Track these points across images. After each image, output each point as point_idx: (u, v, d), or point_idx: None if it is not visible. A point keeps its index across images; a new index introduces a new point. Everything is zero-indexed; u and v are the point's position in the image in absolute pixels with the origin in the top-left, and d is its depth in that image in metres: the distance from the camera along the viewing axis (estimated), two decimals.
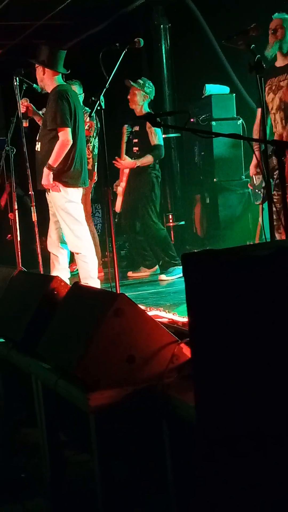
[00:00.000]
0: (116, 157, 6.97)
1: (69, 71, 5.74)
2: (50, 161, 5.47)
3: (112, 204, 5.05)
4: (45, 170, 5.50)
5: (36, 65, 5.70)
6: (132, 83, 6.87)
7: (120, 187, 7.09)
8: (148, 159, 6.86)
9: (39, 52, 5.67)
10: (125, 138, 7.13)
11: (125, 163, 6.96)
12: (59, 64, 5.64)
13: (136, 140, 6.98)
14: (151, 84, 6.98)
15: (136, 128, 7.00)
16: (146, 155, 6.85)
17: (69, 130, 5.47)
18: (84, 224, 5.71)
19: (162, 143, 6.94)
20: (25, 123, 5.86)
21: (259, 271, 1.93)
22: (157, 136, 6.87)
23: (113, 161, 6.81)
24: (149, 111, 6.95)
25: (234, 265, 2.01)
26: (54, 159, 5.46)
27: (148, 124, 6.81)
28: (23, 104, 5.80)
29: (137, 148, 6.99)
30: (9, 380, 4.26)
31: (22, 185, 6.80)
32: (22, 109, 5.80)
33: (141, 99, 6.89)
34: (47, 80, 5.65)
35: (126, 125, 7.16)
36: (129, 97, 6.93)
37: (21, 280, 4.43)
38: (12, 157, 6.18)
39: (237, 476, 1.99)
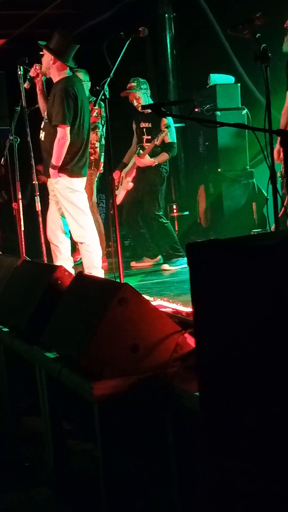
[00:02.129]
0: (135, 155, 7.02)
1: (76, 66, 5.70)
2: (53, 161, 5.50)
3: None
4: (51, 170, 5.53)
5: (44, 50, 5.63)
6: (129, 91, 6.88)
7: (127, 183, 7.11)
8: (164, 157, 6.94)
9: (52, 39, 5.56)
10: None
11: (144, 161, 7.00)
12: (70, 57, 5.57)
13: (149, 137, 6.98)
14: (139, 79, 6.99)
15: (148, 125, 6.98)
16: (163, 152, 6.88)
17: (67, 128, 5.46)
18: (88, 213, 5.71)
19: (175, 140, 6.95)
20: (26, 85, 5.80)
21: (263, 260, 1.93)
22: (172, 134, 6.89)
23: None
24: (151, 102, 6.95)
25: (239, 254, 2.00)
26: (56, 158, 5.48)
27: (163, 122, 6.78)
28: (35, 69, 5.73)
29: (148, 144, 6.98)
30: (13, 369, 4.27)
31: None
32: (32, 73, 5.74)
33: (145, 98, 6.90)
34: (55, 70, 5.59)
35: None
36: (135, 104, 6.93)
37: (25, 270, 4.44)
38: (16, 147, 6.17)
39: (239, 469, 1.99)
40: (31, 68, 5.75)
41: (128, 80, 6.93)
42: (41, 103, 5.86)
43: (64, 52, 5.53)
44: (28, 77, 5.77)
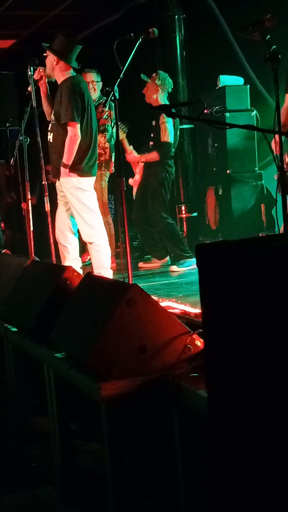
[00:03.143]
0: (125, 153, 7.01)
1: (79, 67, 5.72)
2: (64, 160, 5.50)
3: (127, 193, 5.04)
4: (62, 169, 5.53)
5: (48, 51, 5.65)
6: (142, 76, 6.86)
7: (132, 179, 7.12)
8: (153, 156, 6.88)
9: (55, 41, 5.60)
10: (120, 135, 7.12)
11: (131, 157, 7.00)
12: (73, 58, 5.60)
13: (152, 135, 6.97)
14: (164, 76, 6.92)
15: (153, 122, 6.98)
16: (153, 151, 6.87)
17: (77, 126, 5.48)
18: (97, 213, 5.72)
19: (171, 140, 6.86)
20: (30, 88, 5.82)
21: (272, 262, 1.93)
22: (167, 133, 6.82)
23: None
24: (167, 103, 6.92)
25: (247, 256, 2.00)
26: (68, 157, 5.49)
27: (161, 120, 6.78)
28: (39, 72, 5.75)
29: (152, 143, 6.99)
30: (21, 368, 4.28)
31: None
32: (36, 76, 5.76)
33: (153, 92, 6.87)
34: (59, 71, 5.62)
35: (119, 123, 7.15)
36: (143, 91, 6.92)
37: (34, 270, 4.45)
38: (25, 147, 6.19)
39: (245, 471, 1.98)
40: (35, 71, 5.77)
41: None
42: (46, 107, 5.86)
43: (67, 53, 5.57)
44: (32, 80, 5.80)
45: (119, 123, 7.08)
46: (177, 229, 7.10)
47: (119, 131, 7.08)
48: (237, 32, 4.60)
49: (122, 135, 7.07)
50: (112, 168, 7.31)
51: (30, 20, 9.11)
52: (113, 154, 7.28)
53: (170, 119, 6.82)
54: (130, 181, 7.17)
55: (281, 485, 1.88)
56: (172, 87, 7.05)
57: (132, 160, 7.04)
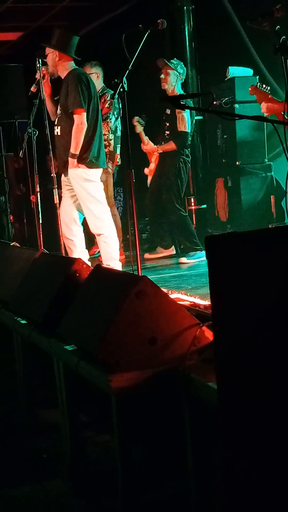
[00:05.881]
0: (142, 144, 7.00)
1: (80, 59, 5.74)
2: (72, 150, 5.49)
3: (136, 185, 5.01)
4: (70, 159, 5.52)
5: (48, 50, 5.67)
6: (166, 62, 6.83)
7: (148, 168, 7.12)
8: (170, 146, 6.86)
9: (52, 36, 5.67)
10: (138, 129, 7.12)
11: (147, 147, 6.98)
12: (72, 49, 5.64)
13: (168, 124, 6.96)
14: (183, 65, 6.96)
15: (168, 111, 6.96)
16: (170, 141, 6.85)
17: (84, 114, 5.49)
18: (105, 204, 5.71)
19: (189, 130, 6.89)
20: (33, 88, 5.84)
21: (282, 253, 1.92)
22: (184, 122, 6.82)
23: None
24: (182, 92, 6.91)
25: (257, 247, 1.99)
26: (75, 146, 5.48)
27: (177, 109, 6.77)
28: (42, 71, 5.76)
29: (168, 132, 6.97)
30: (30, 360, 4.29)
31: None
32: (38, 76, 5.77)
33: (174, 80, 6.85)
34: (61, 65, 5.66)
35: (136, 117, 7.12)
36: (161, 77, 6.88)
37: (43, 262, 4.45)
38: (34, 139, 6.18)
39: (253, 466, 1.98)
40: (43, 68, 5.78)
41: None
42: (50, 107, 5.83)
43: (67, 45, 5.63)
44: (36, 81, 5.80)
45: (138, 117, 7.10)
46: (189, 222, 7.11)
47: (137, 125, 7.11)
48: (246, 23, 4.59)
49: (140, 129, 7.09)
50: (118, 160, 7.31)
51: (38, 12, 9.09)
52: (118, 146, 7.28)
53: (187, 110, 6.80)
54: (146, 170, 7.16)
55: (284, 482, 1.88)
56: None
57: (149, 150, 7.02)
